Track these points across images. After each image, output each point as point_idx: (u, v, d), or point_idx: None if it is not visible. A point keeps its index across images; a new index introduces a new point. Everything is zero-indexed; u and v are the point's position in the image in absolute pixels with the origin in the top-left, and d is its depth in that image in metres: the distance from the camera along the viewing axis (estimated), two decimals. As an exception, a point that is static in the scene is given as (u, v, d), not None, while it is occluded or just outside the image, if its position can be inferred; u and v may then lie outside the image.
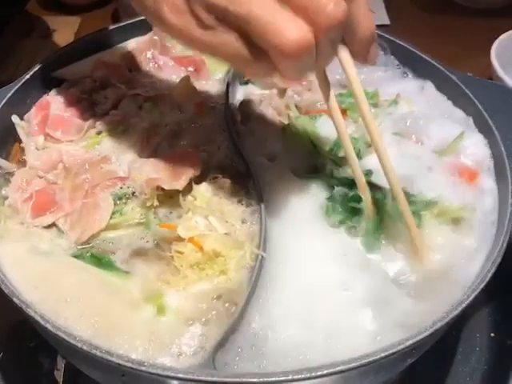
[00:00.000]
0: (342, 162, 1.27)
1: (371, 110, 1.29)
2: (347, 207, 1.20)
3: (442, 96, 1.51)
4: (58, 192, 1.24)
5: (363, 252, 1.17)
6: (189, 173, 1.22)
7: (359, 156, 1.26)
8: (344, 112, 1.41)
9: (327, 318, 1.07)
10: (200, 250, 1.11)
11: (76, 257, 1.15)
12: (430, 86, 1.53)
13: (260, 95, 1.49)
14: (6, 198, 1.25)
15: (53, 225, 1.21)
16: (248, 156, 1.30)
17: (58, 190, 1.25)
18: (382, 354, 0.93)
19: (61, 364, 1.33)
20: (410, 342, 0.95)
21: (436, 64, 1.50)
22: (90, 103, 1.44)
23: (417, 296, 1.10)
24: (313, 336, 1.04)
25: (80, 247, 1.17)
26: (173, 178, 1.20)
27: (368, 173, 1.22)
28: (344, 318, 1.07)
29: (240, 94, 1.54)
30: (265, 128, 1.40)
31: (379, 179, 1.18)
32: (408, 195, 1.16)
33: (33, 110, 1.42)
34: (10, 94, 1.37)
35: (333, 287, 1.11)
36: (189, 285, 1.09)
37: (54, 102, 1.42)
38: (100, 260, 1.14)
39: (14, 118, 1.38)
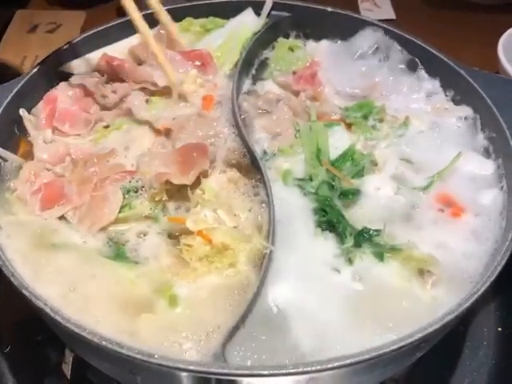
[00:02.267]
0: (339, 175, 1.29)
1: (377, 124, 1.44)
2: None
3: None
4: (66, 185, 1.24)
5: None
6: (198, 167, 1.22)
7: (361, 173, 1.31)
8: (349, 126, 1.44)
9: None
10: (209, 243, 1.11)
11: (85, 249, 1.15)
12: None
13: (278, 94, 1.50)
14: (14, 190, 1.25)
15: (62, 217, 1.21)
16: (255, 151, 1.31)
17: (67, 183, 1.25)
18: (392, 347, 0.94)
19: (68, 357, 1.33)
20: (420, 335, 0.96)
21: (444, 58, 1.50)
22: (97, 97, 1.44)
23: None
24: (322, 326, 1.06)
25: (89, 239, 1.17)
26: (182, 173, 1.21)
27: (355, 192, 1.26)
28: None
29: (247, 87, 1.57)
30: (278, 125, 1.41)
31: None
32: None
33: (40, 103, 1.42)
34: (17, 88, 1.37)
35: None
36: (198, 277, 1.09)
37: (62, 95, 1.43)
38: (111, 252, 1.15)
39: (22, 112, 1.39)
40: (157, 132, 1.36)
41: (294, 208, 1.26)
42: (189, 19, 1.68)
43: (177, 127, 1.36)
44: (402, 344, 0.94)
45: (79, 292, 1.07)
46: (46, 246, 1.14)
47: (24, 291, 1.02)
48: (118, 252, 1.15)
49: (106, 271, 1.10)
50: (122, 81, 1.48)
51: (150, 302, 1.06)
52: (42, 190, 1.23)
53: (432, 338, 1.05)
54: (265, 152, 1.37)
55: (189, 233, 1.13)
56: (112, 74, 1.49)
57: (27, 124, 1.38)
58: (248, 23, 1.65)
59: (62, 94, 1.44)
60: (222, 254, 1.10)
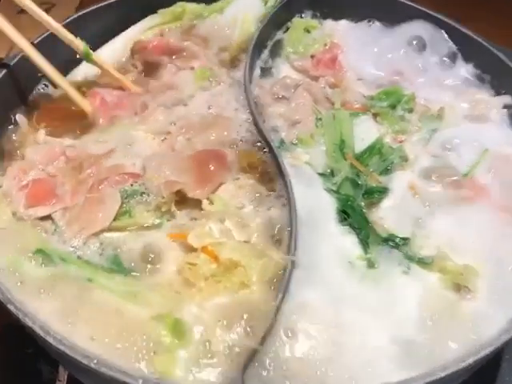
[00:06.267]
0: (365, 171, 1.17)
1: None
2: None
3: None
4: (59, 185, 1.12)
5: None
6: (215, 180, 1.09)
7: (390, 170, 1.18)
8: (375, 116, 1.31)
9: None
10: (215, 260, 0.97)
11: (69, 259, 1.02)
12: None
13: (297, 79, 1.37)
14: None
15: (48, 218, 1.08)
16: (272, 139, 1.18)
17: (60, 183, 1.12)
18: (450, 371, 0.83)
19: (63, 375, 1.20)
20: (475, 358, 0.86)
21: (481, 41, 1.37)
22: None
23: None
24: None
25: (77, 246, 1.04)
26: (197, 185, 1.08)
27: (382, 191, 1.14)
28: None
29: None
30: (297, 112, 1.28)
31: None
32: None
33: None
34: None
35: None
36: (205, 299, 0.95)
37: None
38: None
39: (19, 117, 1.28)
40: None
41: (316, 207, 1.12)
42: (181, 3, 1.54)
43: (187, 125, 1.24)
44: (455, 369, 0.84)
45: (72, 312, 0.95)
46: (30, 254, 1.02)
47: (10, 307, 0.90)
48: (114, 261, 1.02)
49: (98, 286, 0.98)
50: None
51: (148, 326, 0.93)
52: (30, 186, 1.11)
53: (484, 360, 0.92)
54: (282, 142, 1.24)
55: (192, 249, 0.99)
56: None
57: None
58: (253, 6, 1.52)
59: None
60: (231, 273, 0.96)
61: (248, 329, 0.92)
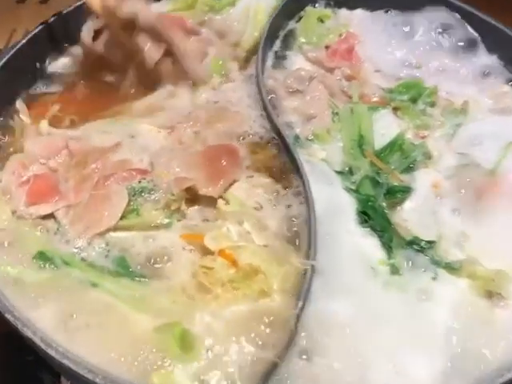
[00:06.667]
0: (386, 169, 1.10)
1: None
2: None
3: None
4: (62, 181, 1.05)
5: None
6: (228, 177, 1.03)
7: (412, 167, 1.11)
8: (395, 110, 1.23)
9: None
10: (233, 265, 0.90)
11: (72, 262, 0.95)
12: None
13: (311, 71, 1.30)
14: (-1, 182, 1.06)
15: (50, 217, 1.01)
16: (286, 135, 1.12)
17: (63, 178, 1.05)
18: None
19: (65, 384, 1.13)
20: None
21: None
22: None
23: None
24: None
25: (81, 247, 0.98)
26: (209, 182, 1.01)
27: (405, 190, 1.07)
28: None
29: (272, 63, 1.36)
30: (312, 106, 1.21)
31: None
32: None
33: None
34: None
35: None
36: (222, 307, 0.88)
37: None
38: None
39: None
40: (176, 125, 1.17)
41: (334, 208, 1.05)
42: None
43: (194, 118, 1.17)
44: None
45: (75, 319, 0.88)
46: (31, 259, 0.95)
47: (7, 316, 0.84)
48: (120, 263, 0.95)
49: (102, 292, 0.91)
50: None
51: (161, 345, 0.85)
52: (31, 182, 1.04)
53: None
54: (297, 138, 1.17)
55: (208, 252, 0.92)
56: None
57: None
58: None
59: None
60: (251, 279, 0.89)
61: (267, 340, 0.85)
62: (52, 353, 0.80)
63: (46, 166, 1.08)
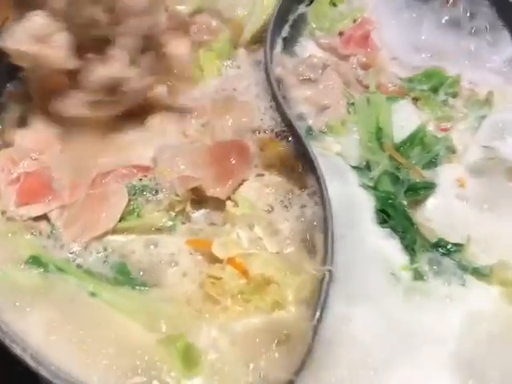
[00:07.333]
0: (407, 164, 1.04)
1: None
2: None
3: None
4: (56, 178, 0.98)
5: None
6: (238, 176, 0.96)
7: (435, 162, 1.05)
8: (415, 101, 1.16)
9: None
10: (244, 274, 0.83)
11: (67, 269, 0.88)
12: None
13: (324, 58, 1.22)
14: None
15: (43, 218, 0.94)
16: (298, 126, 1.05)
17: (56, 175, 0.98)
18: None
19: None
20: None
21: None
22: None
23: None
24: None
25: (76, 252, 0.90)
26: (217, 182, 0.95)
27: (428, 186, 1.01)
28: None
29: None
30: (326, 96, 1.14)
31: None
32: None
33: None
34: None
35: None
36: (232, 319, 0.81)
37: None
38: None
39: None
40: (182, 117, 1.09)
41: (350, 206, 0.98)
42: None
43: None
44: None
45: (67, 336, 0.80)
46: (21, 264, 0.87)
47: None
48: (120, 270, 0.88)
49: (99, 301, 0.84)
50: None
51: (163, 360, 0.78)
52: (22, 180, 0.97)
53: None
54: (309, 130, 1.10)
55: (215, 259, 0.85)
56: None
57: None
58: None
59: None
60: (264, 290, 0.82)
61: (281, 356, 0.78)
62: (43, 373, 0.73)
63: (37, 162, 1.00)
